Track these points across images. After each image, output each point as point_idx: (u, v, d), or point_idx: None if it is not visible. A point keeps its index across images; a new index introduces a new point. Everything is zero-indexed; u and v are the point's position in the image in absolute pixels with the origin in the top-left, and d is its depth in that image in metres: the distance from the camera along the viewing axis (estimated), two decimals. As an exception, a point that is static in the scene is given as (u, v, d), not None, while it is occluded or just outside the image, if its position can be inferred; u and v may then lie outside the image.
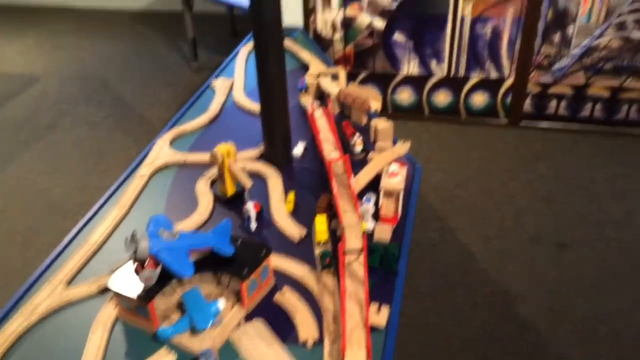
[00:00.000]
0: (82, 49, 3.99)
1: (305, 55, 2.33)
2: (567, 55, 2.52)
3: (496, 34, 2.56)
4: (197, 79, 3.51)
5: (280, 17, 1.46)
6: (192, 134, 1.65)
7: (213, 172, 1.39)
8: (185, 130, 1.65)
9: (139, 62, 3.76)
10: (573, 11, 2.44)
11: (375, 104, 1.71)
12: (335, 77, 2.07)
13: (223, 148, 1.28)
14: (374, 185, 1.31)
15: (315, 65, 2.18)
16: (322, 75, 2.08)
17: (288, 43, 2.43)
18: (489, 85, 2.70)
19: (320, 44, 2.77)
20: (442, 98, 2.79)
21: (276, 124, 1.50)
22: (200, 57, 3.66)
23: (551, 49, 2.53)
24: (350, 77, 2.82)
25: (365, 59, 2.79)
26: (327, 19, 2.72)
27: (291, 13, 2.71)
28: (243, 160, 1.46)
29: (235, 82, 2.08)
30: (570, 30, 2.48)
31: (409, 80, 2.79)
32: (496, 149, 2.64)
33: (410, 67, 2.74)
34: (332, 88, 1.93)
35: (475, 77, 2.70)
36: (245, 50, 2.29)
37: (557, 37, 2.51)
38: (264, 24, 1.47)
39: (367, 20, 2.68)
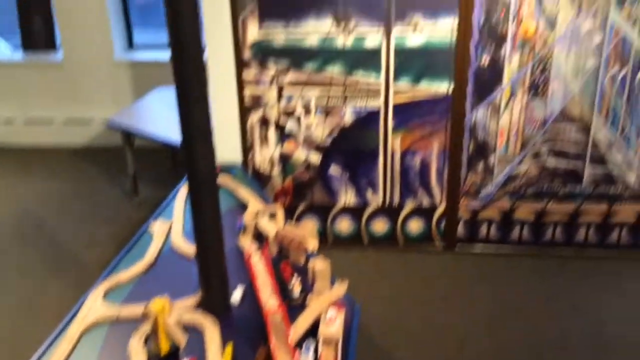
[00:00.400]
0: (18, 188, 3.93)
1: (244, 193, 2.38)
2: (492, 183, 2.68)
3: (425, 165, 2.71)
4: (138, 215, 3.49)
5: (214, 161, 1.51)
6: (128, 284, 1.62)
7: (148, 326, 1.35)
8: (120, 280, 1.62)
9: (78, 200, 3.73)
10: (491, 143, 2.63)
11: (312, 244, 1.75)
12: (273, 215, 2.10)
13: (157, 304, 1.26)
14: (314, 329, 1.31)
15: (253, 203, 2.22)
16: (260, 214, 2.11)
17: (226, 181, 2.48)
18: (423, 213, 2.81)
19: (260, 179, 2.84)
20: (380, 226, 2.87)
21: (212, 270, 1.50)
22: (141, 191, 3.67)
23: (476, 177, 2.69)
24: (290, 210, 2.88)
25: (304, 191, 2.87)
26: (265, 155, 2.82)
27: (230, 150, 2.80)
28: (180, 310, 1.43)
29: (174, 224, 2.09)
30: (492, 160, 2.66)
31: (347, 210, 2.87)
32: (434, 275, 2.70)
33: (348, 197, 2.84)
34: (270, 228, 1.96)
35: (409, 205, 2.81)
36: (185, 190, 2.32)
37: (480, 167, 2.68)
38: (197, 170, 1.51)
39: (304, 156, 2.80)
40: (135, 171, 3.56)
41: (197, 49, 1.44)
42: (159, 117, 3.49)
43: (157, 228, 2.06)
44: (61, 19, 4.56)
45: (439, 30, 2.46)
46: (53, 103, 4.83)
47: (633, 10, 2.31)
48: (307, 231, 1.82)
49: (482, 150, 2.66)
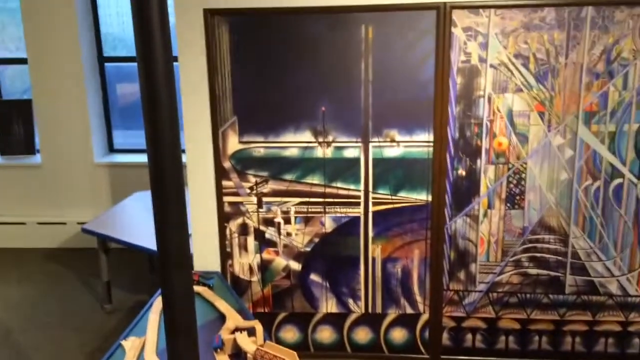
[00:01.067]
0: (-14, 294, 3.79)
1: (222, 305, 2.31)
2: (474, 291, 2.65)
3: (406, 273, 2.68)
4: (110, 324, 3.36)
5: (191, 281, 1.46)
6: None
7: None
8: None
9: (48, 306, 3.59)
10: (472, 252, 2.63)
11: (292, 368, 1.67)
12: (252, 331, 2.03)
13: None
14: None
15: (232, 317, 2.16)
16: (238, 330, 2.04)
17: (204, 292, 2.42)
18: (407, 321, 2.74)
19: (238, 287, 2.78)
20: (363, 335, 2.79)
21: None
22: (115, 295, 3.56)
23: (459, 285, 2.66)
24: (269, 318, 2.80)
25: (284, 299, 2.80)
26: (245, 262, 2.77)
27: (209, 257, 2.75)
28: None
29: (147, 341, 2.00)
30: (473, 268, 2.64)
31: (328, 319, 2.79)
32: (420, 389, 2.59)
33: (329, 305, 2.77)
34: (249, 346, 1.88)
35: (392, 314, 2.75)
36: (159, 302, 2.25)
37: (462, 275, 2.65)
38: (173, 290, 1.46)
39: (283, 263, 2.75)
40: (109, 279, 3.47)
41: (175, 156, 1.44)
42: (137, 223, 3.45)
43: (130, 345, 1.97)
44: (42, 123, 4.61)
45: (415, 143, 2.52)
46: (30, 205, 4.77)
47: (600, 128, 2.41)
48: (287, 352, 1.76)
49: (464, 258, 2.65)
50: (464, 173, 2.54)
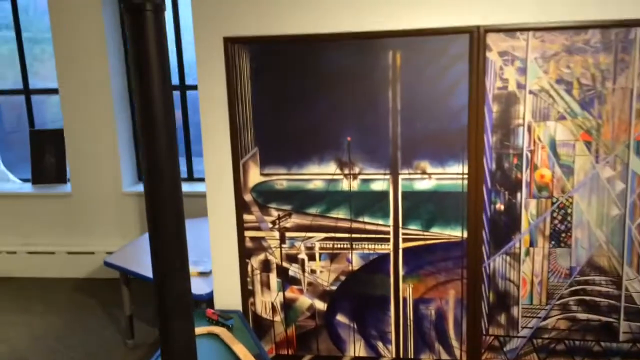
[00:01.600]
0: (12, 325, 3.72)
1: (240, 350, 2.16)
2: (517, 336, 2.42)
3: (441, 315, 2.47)
4: (132, 358, 3.23)
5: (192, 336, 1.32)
6: None
7: None
8: None
9: (71, 340, 3.49)
10: (514, 293, 2.40)
11: None
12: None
13: None
14: None
15: (247, 367, 1.99)
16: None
17: (222, 333, 2.27)
18: (440, 368, 2.53)
19: (261, 327, 2.61)
20: (393, 381, 2.58)
21: None
22: (139, 329, 3.44)
23: (499, 329, 2.44)
24: (292, 363, 2.62)
25: (309, 340, 2.62)
26: (267, 301, 2.61)
27: (229, 295, 2.60)
28: None
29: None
30: (515, 311, 2.41)
31: (355, 363, 2.60)
32: None
33: (357, 348, 2.58)
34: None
35: (425, 359, 2.53)
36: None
37: (502, 318, 2.43)
38: (173, 348, 1.32)
39: (308, 302, 2.58)
40: (132, 312, 3.35)
41: (174, 189, 1.31)
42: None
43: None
44: (72, 152, 4.59)
45: (448, 175, 2.34)
46: (59, 234, 4.74)
47: (657, 159, 2.18)
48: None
49: (504, 300, 2.42)
50: (502, 207, 2.33)
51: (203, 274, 2.91)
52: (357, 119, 2.36)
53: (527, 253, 2.36)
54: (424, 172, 2.36)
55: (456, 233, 2.39)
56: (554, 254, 2.34)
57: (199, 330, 2.37)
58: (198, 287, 2.78)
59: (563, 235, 2.31)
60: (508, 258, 2.38)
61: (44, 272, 4.70)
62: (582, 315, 2.37)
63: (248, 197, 2.53)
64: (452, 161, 2.33)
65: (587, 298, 2.34)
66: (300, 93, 2.39)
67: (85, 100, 4.48)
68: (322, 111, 2.39)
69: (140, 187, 4.70)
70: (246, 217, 2.55)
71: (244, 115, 2.46)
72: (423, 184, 2.37)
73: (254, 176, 2.50)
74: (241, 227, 2.56)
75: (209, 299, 2.73)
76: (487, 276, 2.41)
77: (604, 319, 2.35)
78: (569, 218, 2.28)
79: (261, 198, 2.52)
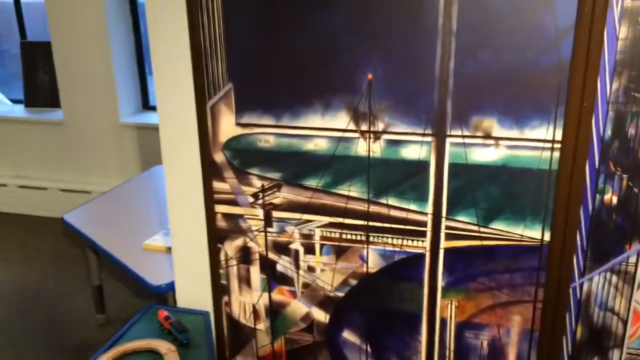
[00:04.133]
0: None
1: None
2: (612, 392, 1.57)
3: (497, 348, 1.64)
4: (100, 338, 2.59)
5: None
6: None
7: None
8: None
9: (38, 302, 2.87)
10: (616, 330, 1.53)
11: None
12: None
13: None
14: None
15: None
16: None
17: (168, 355, 1.52)
18: (490, 416, 1.72)
19: (239, 335, 1.88)
20: (420, 423, 1.80)
21: None
22: (110, 306, 2.78)
23: (585, 377, 1.59)
24: (279, 391, 1.88)
25: (303, 359, 1.86)
26: (247, 302, 1.84)
27: (196, 291, 1.85)
28: None
29: None
30: (616, 356, 1.55)
31: (368, 394, 1.82)
32: None
33: (371, 374, 1.80)
34: None
35: (468, 399, 1.73)
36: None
37: (593, 364, 1.58)
38: None
39: (303, 310, 1.80)
40: (101, 283, 2.68)
41: None
42: (128, 219, 2.59)
43: None
44: (61, 72, 3.84)
45: (528, 143, 1.43)
46: (52, 168, 4.11)
47: None
48: None
49: (599, 338, 1.56)
50: (614, 200, 1.42)
51: (172, 251, 2.15)
52: (384, 43, 1.46)
53: (649, 274, 1.46)
54: (487, 136, 1.46)
55: (532, 233, 1.51)
56: (695, 280, 1.43)
57: (133, 344, 1.64)
58: (162, 271, 2.04)
59: None
60: (614, 278, 1.49)
61: (35, 209, 4.11)
62: None
63: (219, 157, 1.71)
64: (535, 120, 1.41)
65: None
66: (298, 2, 1.49)
67: (72, 10, 3.67)
68: (329, 30, 1.49)
69: (142, 118, 3.95)
70: (217, 185, 1.74)
71: (211, 35, 1.59)
72: (485, 154, 1.47)
73: (228, 127, 1.67)
74: (210, 199, 1.76)
75: (172, 292, 1.99)
76: (577, 301, 1.54)
77: None
78: None
79: (238, 159, 1.69)
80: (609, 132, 1.36)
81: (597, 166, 1.40)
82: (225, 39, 1.58)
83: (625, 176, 1.39)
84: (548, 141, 1.42)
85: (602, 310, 1.53)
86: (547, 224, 1.49)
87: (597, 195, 1.42)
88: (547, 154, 1.43)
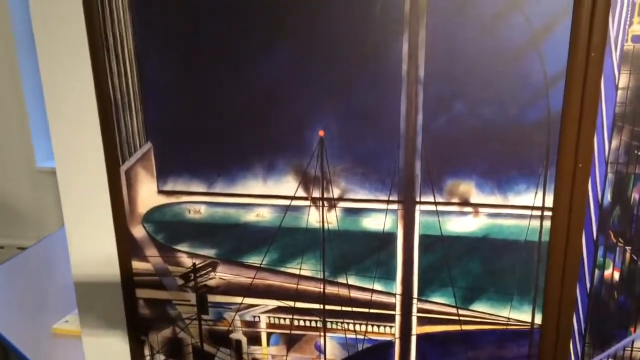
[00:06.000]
0: None
1: None
2: None
3: None
4: None
5: None
6: None
7: None
8: None
9: None
10: None
11: None
12: None
13: None
14: None
15: None
16: None
17: None
18: None
19: None
20: None
21: None
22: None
23: None
24: None
25: None
26: (180, 402, 1.50)
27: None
28: None
29: None
30: None
31: None
32: None
33: None
34: None
35: None
36: None
37: None
38: None
39: (249, 409, 1.48)
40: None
41: None
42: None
43: None
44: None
45: (512, 211, 1.19)
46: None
47: None
48: None
49: None
50: (616, 275, 1.19)
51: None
52: (337, 94, 1.19)
53: (657, 360, 1.24)
54: (464, 202, 1.21)
55: (520, 315, 1.26)
56: None
57: None
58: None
59: None
60: (617, 365, 1.26)
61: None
62: None
63: (139, 232, 1.38)
64: (521, 184, 1.17)
65: None
66: (231, 38, 1.21)
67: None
68: (270, 77, 1.21)
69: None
70: (137, 265, 1.41)
71: (122, 85, 1.28)
72: (462, 224, 1.22)
73: (148, 195, 1.35)
74: (129, 282, 1.43)
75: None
76: (574, 392, 1.30)
77: None
78: None
79: (162, 234, 1.38)
80: (608, 198, 1.14)
81: (595, 237, 1.17)
82: (140, 89, 1.27)
83: (628, 248, 1.17)
84: (537, 208, 1.18)
85: (603, 401, 1.29)
86: (537, 304, 1.25)
87: (596, 271, 1.20)
88: (536, 223, 1.19)
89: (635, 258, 1.17)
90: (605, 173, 1.13)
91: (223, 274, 1.38)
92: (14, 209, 3.55)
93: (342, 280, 1.33)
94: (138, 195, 1.36)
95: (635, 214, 1.14)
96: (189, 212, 1.35)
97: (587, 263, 1.19)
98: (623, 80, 1.08)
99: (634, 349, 1.24)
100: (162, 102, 1.28)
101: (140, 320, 1.46)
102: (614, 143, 1.11)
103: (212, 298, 1.41)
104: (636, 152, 1.11)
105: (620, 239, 1.16)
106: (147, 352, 1.49)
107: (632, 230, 1.15)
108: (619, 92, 1.08)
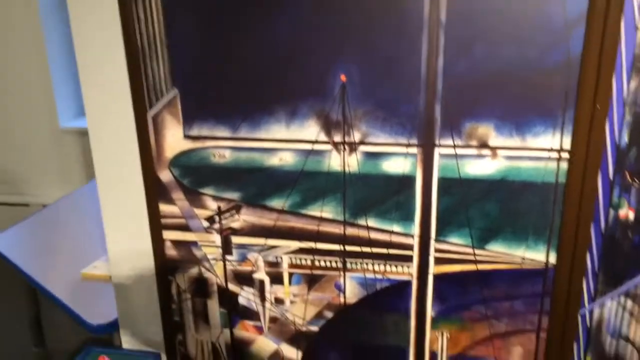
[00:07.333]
0: None
1: None
2: None
3: (494, 382, 1.44)
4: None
5: None
6: None
7: None
8: None
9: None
10: (631, 361, 1.35)
11: None
12: None
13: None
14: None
15: None
16: None
17: None
18: None
19: (195, 382, 1.62)
20: None
21: None
22: (50, 338, 2.47)
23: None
24: None
25: (274, 401, 1.62)
26: (204, 340, 1.58)
27: (145, 329, 1.57)
28: None
29: None
30: (628, 388, 1.37)
31: None
32: None
33: (351, 413, 1.57)
34: None
35: None
36: None
37: (603, 397, 1.39)
38: None
39: (272, 346, 1.56)
40: (38, 311, 2.36)
41: None
42: (58, 243, 2.27)
43: None
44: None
45: (531, 153, 1.22)
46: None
47: None
48: None
49: (610, 371, 1.37)
50: (631, 215, 1.23)
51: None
52: (358, 39, 1.22)
53: (668, 298, 1.28)
54: (483, 145, 1.24)
55: (536, 255, 1.30)
56: None
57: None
58: (107, 304, 1.75)
59: None
60: (630, 303, 1.30)
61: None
62: None
63: (166, 176, 1.44)
64: (539, 126, 1.20)
65: None
66: (254, -13, 1.23)
67: (1, 2, 3.30)
68: (293, 24, 1.24)
69: (85, 122, 3.60)
70: (164, 208, 1.47)
71: (150, 32, 1.32)
72: (480, 167, 1.26)
73: (174, 140, 1.40)
74: (156, 225, 1.49)
75: (117, 330, 1.71)
76: (586, 330, 1.35)
77: None
78: None
79: (188, 178, 1.43)
80: (625, 139, 1.17)
81: (611, 177, 1.20)
82: (167, 36, 1.31)
83: (644, 187, 1.19)
84: (554, 150, 1.21)
85: (614, 338, 1.34)
86: (552, 244, 1.28)
87: (611, 211, 1.23)
88: (553, 164, 1.22)
89: (650, 198, 1.20)
90: (623, 114, 1.15)
91: (246, 217, 1.43)
92: (38, 168, 3.63)
93: (362, 222, 1.38)
94: (165, 141, 1.41)
95: (651, 155, 1.17)
96: (214, 156, 1.39)
97: (603, 203, 1.23)
98: (643, 20, 1.09)
99: (645, 288, 1.28)
100: (187, 50, 1.32)
101: (168, 262, 1.52)
102: (633, 85, 1.13)
103: (236, 240, 1.47)
104: (654, 93, 1.12)
105: (636, 179, 1.19)
106: (174, 291, 1.56)
107: (648, 171, 1.18)
108: (639, 33, 1.10)
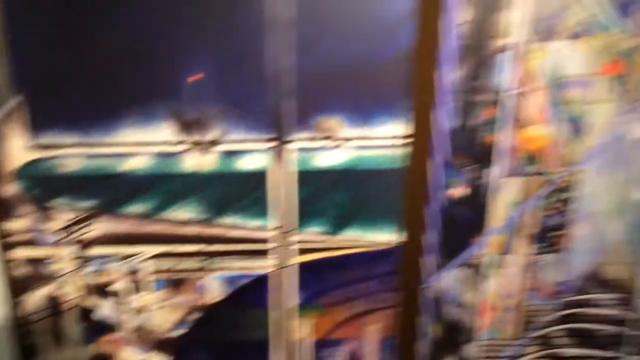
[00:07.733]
0: None
1: None
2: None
3: (357, 362, 1.54)
4: None
5: None
6: None
7: None
8: None
9: None
10: (470, 325, 1.51)
11: None
12: None
13: None
14: None
15: None
16: None
17: None
18: None
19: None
20: None
21: None
22: None
23: (446, 376, 1.55)
24: None
25: (143, 415, 1.57)
26: (65, 359, 1.50)
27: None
28: None
29: None
30: (471, 350, 1.53)
31: None
32: None
33: (224, 415, 1.57)
34: None
35: (332, 423, 1.60)
36: None
37: (452, 361, 1.54)
38: None
39: (138, 358, 1.51)
40: None
41: None
42: None
43: None
44: None
45: (374, 142, 1.34)
46: None
47: None
48: None
49: (455, 335, 1.53)
50: (462, 193, 1.39)
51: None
52: (209, 38, 1.26)
53: (496, 264, 1.46)
54: (331, 137, 1.34)
55: (385, 237, 1.42)
56: (538, 263, 1.46)
57: None
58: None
59: (556, 234, 1.43)
60: (464, 273, 1.47)
61: None
62: (573, 351, 1.54)
63: (11, 190, 1.35)
64: (381, 116, 1.32)
65: (583, 326, 1.51)
66: (98, -10, 1.22)
67: None
68: (141, 22, 1.25)
69: None
70: (10, 226, 1.38)
71: (-18, 32, 1.25)
72: (331, 157, 1.35)
73: (20, 150, 1.33)
74: (4, 243, 1.39)
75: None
76: (431, 302, 1.49)
77: (607, 355, 1.54)
78: (570, 206, 1.40)
79: (37, 189, 1.36)
80: (453, 123, 1.32)
81: (444, 160, 1.35)
82: (7, 35, 1.25)
83: (470, 168, 1.36)
84: (394, 138, 1.34)
85: (456, 307, 1.50)
86: (398, 227, 1.41)
87: (444, 191, 1.38)
88: (396, 151, 1.35)
89: (479, 176, 1.37)
90: (450, 100, 1.31)
91: (102, 226, 1.40)
92: None
93: (221, 220, 1.40)
94: (9, 152, 1.33)
95: (478, 137, 1.34)
96: (64, 165, 1.34)
97: (438, 184, 1.37)
98: (463, 15, 1.25)
99: (477, 257, 1.45)
100: (29, 54, 1.26)
101: (19, 281, 1.43)
102: (458, 74, 1.29)
103: (93, 250, 1.42)
104: (473, 80, 1.29)
105: (466, 160, 1.35)
106: (28, 311, 1.46)
107: (476, 151, 1.35)
108: (461, 27, 1.26)
